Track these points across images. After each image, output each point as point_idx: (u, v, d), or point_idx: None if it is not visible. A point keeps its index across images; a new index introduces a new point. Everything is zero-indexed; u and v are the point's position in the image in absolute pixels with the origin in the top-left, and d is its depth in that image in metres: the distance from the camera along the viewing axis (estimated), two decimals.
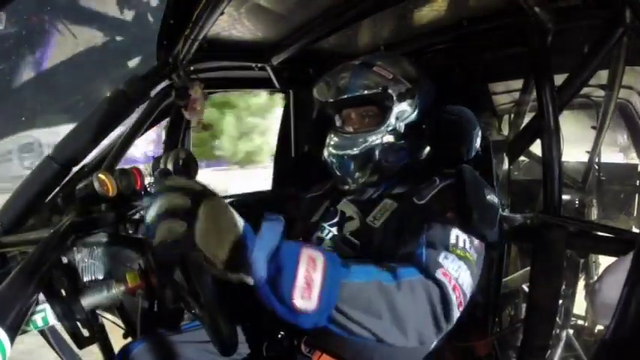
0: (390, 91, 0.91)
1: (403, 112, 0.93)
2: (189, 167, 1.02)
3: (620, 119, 2.22)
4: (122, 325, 0.92)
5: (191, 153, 1.05)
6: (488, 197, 0.80)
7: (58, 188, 1.08)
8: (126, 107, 1.14)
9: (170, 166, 0.99)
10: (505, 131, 1.83)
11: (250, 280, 0.52)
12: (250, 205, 1.38)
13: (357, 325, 0.58)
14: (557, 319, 1.56)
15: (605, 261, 1.19)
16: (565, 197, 1.62)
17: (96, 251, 0.77)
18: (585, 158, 2.02)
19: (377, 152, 0.92)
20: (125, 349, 0.90)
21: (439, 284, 0.64)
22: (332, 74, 0.98)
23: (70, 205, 0.96)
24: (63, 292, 0.66)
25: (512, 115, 1.73)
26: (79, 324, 0.69)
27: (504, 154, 1.13)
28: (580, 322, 2.01)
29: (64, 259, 0.72)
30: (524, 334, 1.04)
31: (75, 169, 1.10)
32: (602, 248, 1.06)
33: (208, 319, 0.67)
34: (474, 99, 1.29)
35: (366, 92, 0.92)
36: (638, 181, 2.49)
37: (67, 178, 1.09)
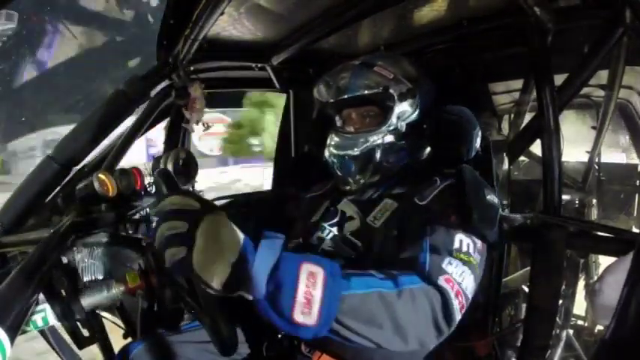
0: (391, 91, 0.91)
1: (404, 112, 0.93)
2: (189, 167, 1.02)
3: (621, 120, 2.22)
4: (122, 325, 0.91)
5: (191, 153, 1.05)
6: (489, 197, 0.80)
7: (58, 188, 1.08)
8: (126, 107, 1.14)
9: (170, 166, 0.99)
10: (505, 131, 1.83)
11: (249, 297, 0.52)
12: (250, 205, 1.38)
13: (358, 335, 0.59)
14: (557, 319, 1.56)
15: (605, 261, 1.19)
16: (565, 197, 1.62)
17: (96, 251, 0.77)
18: (585, 158, 2.02)
19: (378, 152, 0.92)
20: (125, 349, 0.90)
21: (441, 291, 0.64)
22: (332, 74, 0.97)
23: (70, 205, 0.96)
24: (63, 292, 0.66)
25: (512, 115, 1.73)
26: (79, 324, 0.69)
27: (504, 154, 1.12)
28: (580, 322, 2.01)
29: (64, 259, 0.72)
30: (524, 334, 1.04)
31: (75, 169, 1.10)
32: (602, 248, 1.06)
33: (208, 319, 0.67)
34: (474, 99, 1.29)
35: (366, 92, 0.92)
36: (638, 181, 2.49)
37: (67, 178, 1.09)
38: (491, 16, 1.18)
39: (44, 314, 0.63)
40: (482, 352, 1.03)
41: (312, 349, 0.87)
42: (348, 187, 0.97)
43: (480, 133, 0.97)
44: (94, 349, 0.78)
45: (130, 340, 0.92)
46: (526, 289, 1.46)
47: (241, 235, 0.53)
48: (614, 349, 0.46)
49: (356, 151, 0.93)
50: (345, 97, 0.94)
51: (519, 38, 1.13)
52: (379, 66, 0.93)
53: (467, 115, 0.98)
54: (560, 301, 1.53)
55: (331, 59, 1.49)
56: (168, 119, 1.47)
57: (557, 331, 1.71)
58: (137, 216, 0.93)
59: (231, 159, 11.44)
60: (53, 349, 0.96)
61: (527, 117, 1.35)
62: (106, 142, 1.22)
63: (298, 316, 0.53)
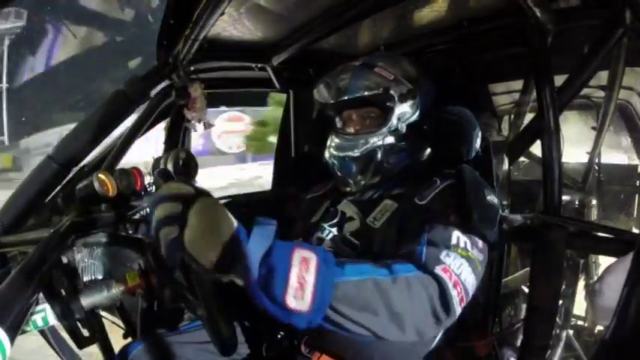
0: (391, 92, 0.91)
1: (404, 112, 0.93)
2: (189, 167, 1.02)
3: (623, 121, 2.22)
4: (122, 325, 0.92)
5: (191, 153, 1.05)
6: (489, 198, 0.80)
7: (58, 188, 1.08)
8: (126, 107, 1.14)
9: (170, 166, 0.99)
10: (505, 132, 1.83)
11: (240, 282, 0.52)
12: (251, 205, 1.38)
13: (353, 323, 0.58)
14: (557, 319, 1.56)
15: (605, 261, 1.19)
16: (565, 198, 1.62)
17: (96, 251, 0.77)
18: (585, 159, 2.02)
19: (378, 153, 0.92)
20: (125, 349, 0.90)
21: (438, 279, 0.64)
22: (332, 75, 0.97)
23: (70, 205, 0.96)
24: (63, 292, 0.66)
25: (512, 116, 1.73)
26: (79, 324, 0.69)
27: (504, 155, 1.12)
28: (580, 322, 2.01)
29: (64, 259, 0.72)
30: (524, 334, 1.04)
31: (75, 169, 1.10)
32: (602, 248, 1.06)
33: (208, 318, 0.67)
34: (474, 99, 1.29)
35: (367, 93, 0.92)
36: (638, 182, 2.49)
37: (67, 178, 1.09)
38: (492, 17, 1.18)
39: (44, 314, 0.63)
40: (482, 352, 1.03)
41: (311, 350, 0.87)
42: (348, 188, 0.97)
43: (480, 134, 0.97)
44: (94, 349, 0.78)
45: (130, 340, 0.92)
46: (526, 289, 1.46)
47: (234, 221, 0.53)
48: (614, 349, 0.46)
49: (356, 153, 0.92)
50: (346, 98, 0.93)
51: (519, 38, 1.13)
52: (379, 67, 0.93)
53: (467, 116, 0.98)
54: (560, 301, 1.53)
55: (331, 59, 1.49)
56: (168, 119, 1.47)
57: (557, 331, 1.71)
58: (137, 216, 0.93)
59: (250, 156, 11.57)
60: (53, 349, 0.96)
61: (528, 117, 1.34)
62: (106, 142, 1.22)
63: (291, 301, 0.52)
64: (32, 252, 0.62)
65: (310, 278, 0.53)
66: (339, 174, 0.96)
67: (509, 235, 1.08)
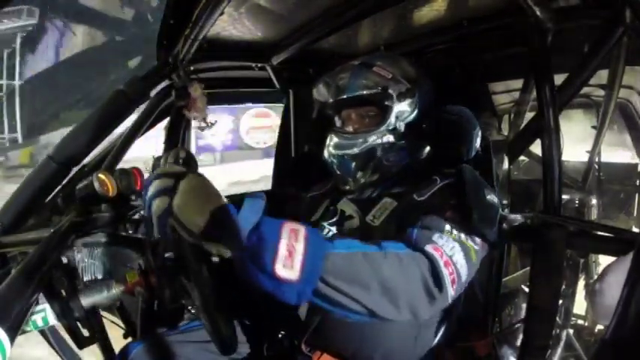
0: (390, 91, 0.91)
1: (403, 111, 0.93)
2: (189, 166, 1.02)
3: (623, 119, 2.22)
4: (122, 325, 0.92)
5: (191, 152, 1.05)
6: (489, 197, 0.80)
7: (58, 188, 1.08)
8: (126, 107, 1.14)
9: None
10: (505, 131, 1.83)
11: (227, 253, 0.53)
12: None
13: (345, 296, 0.58)
14: (557, 319, 1.56)
15: (605, 261, 1.19)
16: (565, 197, 1.62)
17: (96, 251, 0.77)
18: (585, 158, 2.02)
19: (377, 152, 0.92)
20: (125, 349, 0.90)
21: (428, 257, 0.64)
22: (332, 75, 0.98)
23: (70, 205, 0.96)
24: (63, 292, 0.66)
25: (512, 115, 1.73)
26: (79, 324, 0.69)
27: (504, 154, 1.12)
28: (580, 322, 2.01)
29: (64, 259, 0.72)
30: (524, 334, 1.04)
31: (75, 168, 1.10)
32: (602, 248, 1.06)
33: (208, 318, 0.67)
34: (474, 99, 1.29)
35: (365, 92, 0.92)
36: (638, 181, 2.49)
37: (67, 178, 1.09)
38: (491, 16, 1.18)
39: (44, 314, 0.63)
40: (483, 352, 1.03)
41: (312, 349, 0.87)
42: (347, 187, 0.97)
43: (479, 133, 0.98)
44: (94, 349, 0.78)
45: (130, 340, 0.92)
46: (526, 289, 1.46)
47: (223, 197, 0.54)
48: (614, 349, 0.46)
49: (355, 151, 0.93)
50: (344, 97, 0.94)
51: (519, 38, 1.13)
52: (378, 66, 0.93)
53: (467, 115, 0.98)
54: (560, 301, 1.53)
55: (331, 59, 1.49)
56: (168, 119, 1.47)
57: (557, 331, 1.71)
58: (137, 216, 0.93)
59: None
60: (53, 349, 0.96)
61: (527, 117, 1.34)
62: (106, 142, 1.22)
63: (280, 270, 0.52)
64: (32, 252, 0.63)
65: (300, 247, 0.54)
66: (338, 172, 0.96)
67: (509, 235, 1.08)
